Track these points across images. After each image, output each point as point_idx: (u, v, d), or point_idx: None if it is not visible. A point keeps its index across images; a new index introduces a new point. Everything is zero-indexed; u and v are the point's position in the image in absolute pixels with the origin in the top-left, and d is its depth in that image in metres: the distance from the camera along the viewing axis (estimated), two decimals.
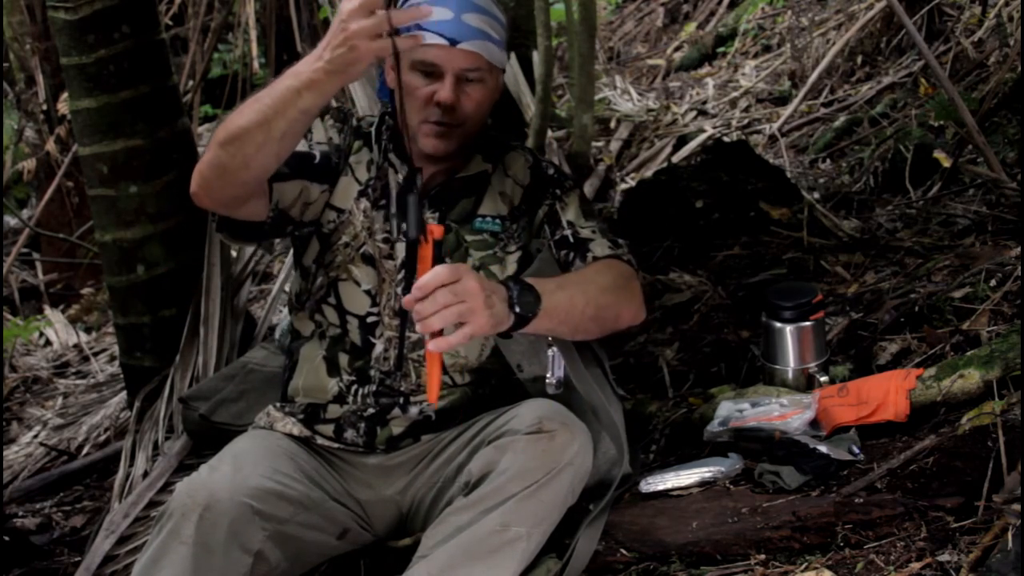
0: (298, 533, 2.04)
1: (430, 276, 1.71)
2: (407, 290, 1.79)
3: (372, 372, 2.13)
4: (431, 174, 2.15)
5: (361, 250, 2.13)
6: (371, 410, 2.14)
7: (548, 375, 2.10)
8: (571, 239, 2.14)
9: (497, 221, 2.17)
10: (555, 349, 2.10)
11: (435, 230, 1.75)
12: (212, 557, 1.88)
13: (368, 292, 2.13)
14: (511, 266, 2.17)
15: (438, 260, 1.76)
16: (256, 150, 1.84)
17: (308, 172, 2.10)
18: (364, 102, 3.49)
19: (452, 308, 1.71)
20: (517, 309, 1.84)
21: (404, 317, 2.11)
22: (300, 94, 1.75)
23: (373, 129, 2.19)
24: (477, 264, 2.13)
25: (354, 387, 2.14)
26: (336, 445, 2.16)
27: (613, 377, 2.29)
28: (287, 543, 2.02)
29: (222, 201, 1.99)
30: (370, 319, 2.13)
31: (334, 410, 2.16)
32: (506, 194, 2.19)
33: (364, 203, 2.14)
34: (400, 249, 2.12)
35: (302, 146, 2.10)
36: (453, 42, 1.99)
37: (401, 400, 2.14)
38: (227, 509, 1.90)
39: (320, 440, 2.16)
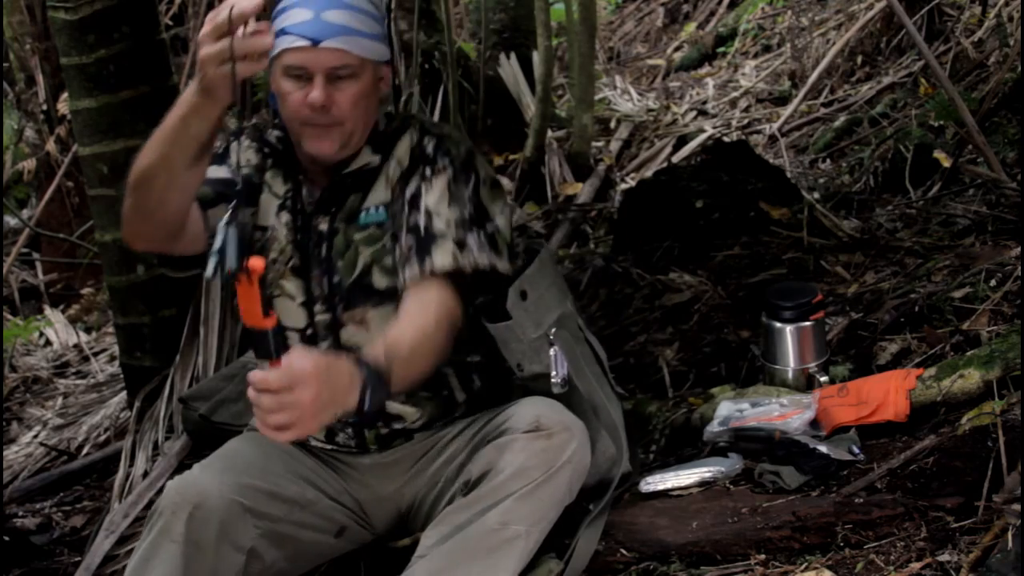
0: (293, 532, 2.04)
1: (259, 377, 1.57)
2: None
3: None
4: (320, 177, 2.09)
5: (290, 263, 2.09)
6: (353, 417, 2.13)
7: (553, 374, 2.08)
8: (421, 231, 1.99)
9: (381, 209, 2.06)
10: (556, 348, 2.09)
11: (256, 265, 1.58)
12: (203, 555, 1.88)
13: (303, 304, 2.09)
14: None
15: (264, 297, 1.60)
16: (165, 186, 1.86)
17: (234, 197, 2.03)
18: None
19: (278, 415, 1.57)
20: (366, 406, 1.71)
21: (335, 327, 2.07)
22: (186, 121, 1.78)
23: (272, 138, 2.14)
24: (368, 261, 2.05)
25: None
26: (329, 447, 2.16)
27: (612, 376, 2.28)
28: (283, 542, 2.02)
29: (155, 241, 1.98)
30: (309, 331, 2.09)
31: None
32: (389, 176, 2.09)
33: (285, 216, 2.10)
34: (294, 258, 2.08)
35: (224, 172, 2.07)
36: (315, 42, 1.93)
37: (382, 415, 2.12)
38: (217, 507, 1.90)
39: (314, 443, 2.16)
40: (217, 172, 2.06)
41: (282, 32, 1.94)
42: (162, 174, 1.84)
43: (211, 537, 1.89)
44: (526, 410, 1.96)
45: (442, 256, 1.95)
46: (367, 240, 2.06)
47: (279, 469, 2.06)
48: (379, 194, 2.08)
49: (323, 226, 2.08)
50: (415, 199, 2.02)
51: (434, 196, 2.01)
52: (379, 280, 2.05)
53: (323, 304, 2.07)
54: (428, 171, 2.04)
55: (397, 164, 2.08)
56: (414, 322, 1.89)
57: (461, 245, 1.97)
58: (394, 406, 2.11)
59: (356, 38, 1.96)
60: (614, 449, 2.14)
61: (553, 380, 2.08)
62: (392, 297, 2.03)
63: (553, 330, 2.10)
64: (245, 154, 2.12)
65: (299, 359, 1.58)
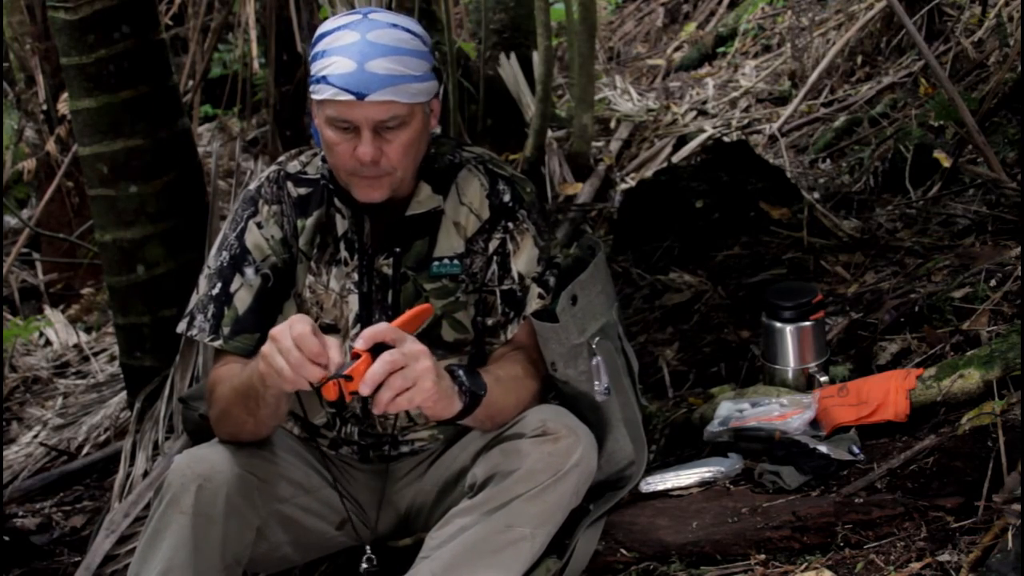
0: (298, 516, 2.04)
1: (380, 366, 1.66)
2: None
3: (347, 415, 2.11)
4: (379, 215, 2.02)
5: (317, 323, 2.00)
6: (361, 443, 2.14)
7: (596, 383, 2.06)
8: (517, 294, 2.04)
9: (456, 263, 2.03)
10: (599, 359, 2.06)
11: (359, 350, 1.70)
12: (212, 528, 1.87)
13: None
14: (471, 309, 2.07)
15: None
16: (256, 429, 1.94)
17: (276, 306, 2.03)
18: None
19: (406, 394, 1.69)
20: (466, 387, 1.81)
21: None
22: (257, 393, 1.81)
23: (318, 173, 2.05)
24: (440, 313, 2.03)
25: (338, 421, 2.13)
26: (333, 453, 2.17)
27: (640, 387, 2.27)
28: (288, 525, 2.03)
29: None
30: None
31: (327, 433, 2.15)
32: (461, 225, 2.04)
33: (309, 278, 2.05)
34: (353, 301, 2.04)
35: (254, 281, 2.00)
36: (360, 96, 1.83)
37: (389, 439, 2.13)
38: (226, 480, 1.88)
39: (318, 445, 2.16)
40: (245, 298, 2.00)
41: (324, 79, 1.86)
42: (250, 427, 1.93)
43: (219, 511, 1.87)
44: (532, 415, 1.96)
45: (532, 303, 2.05)
46: (439, 292, 2.04)
47: (287, 452, 2.06)
48: (451, 243, 2.04)
49: (387, 269, 2.03)
50: (505, 263, 2.04)
51: (523, 260, 2.05)
52: (448, 333, 2.05)
53: None
54: (511, 226, 2.05)
55: (471, 213, 2.04)
56: (504, 365, 1.99)
57: (545, 287, 2.06)
58: (409, 433, 2.12)
59: (403, 85, 1.86)
60: (624, 453, 2.13)
61: (596, 389, 2.05)
62: (459, 350, 2.04)
63: (596, 340, 2.06)
64: (268, 233, 2.03)
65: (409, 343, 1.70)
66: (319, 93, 1.88)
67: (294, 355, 1.66)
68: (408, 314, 1.77)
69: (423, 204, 2.02)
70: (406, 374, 1.68)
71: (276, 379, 1.70)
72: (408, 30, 1.90)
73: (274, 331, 1.70)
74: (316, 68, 1.89)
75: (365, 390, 1.66)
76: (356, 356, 1.69)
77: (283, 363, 1.67)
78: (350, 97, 1.84)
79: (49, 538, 3.10)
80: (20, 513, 3.32)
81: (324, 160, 2.03)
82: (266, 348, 1.70)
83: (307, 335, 1.67)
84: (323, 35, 1.90)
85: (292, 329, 1.68)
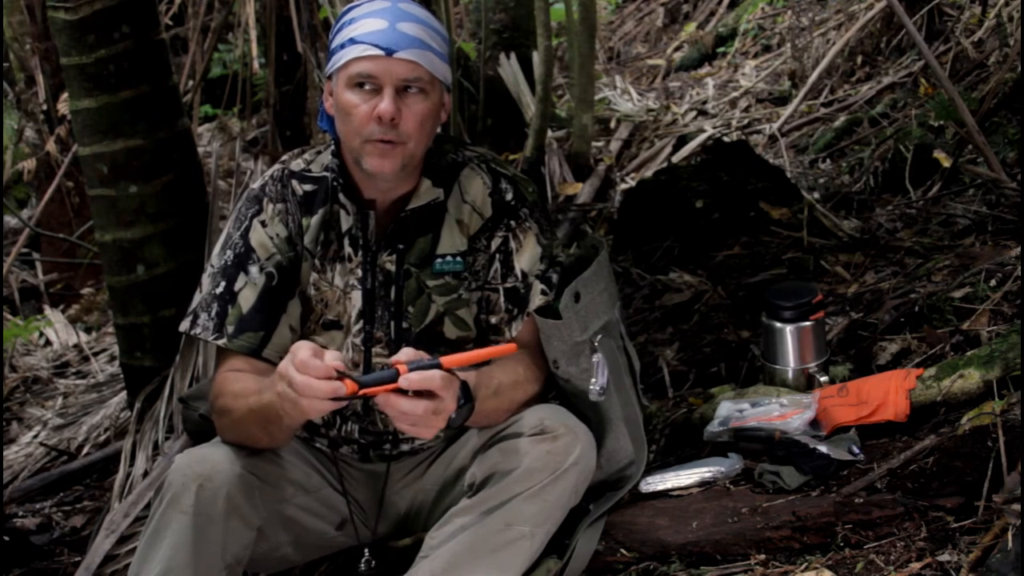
0: (298, 516, 2.05)
1: (412, 408, 1.71)
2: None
3: (347, 412, 2.12)
4: (382, 212, 2.03)
5: (321, 320, 2.06)
6: (361, 441, 2.14)
7: (592, 381, 2.05)
8: (520, 291, 2.06)
9: (459, 260, 2.04)
10: (600, 356, 2.06)
11: (400, 370, 1.72)
12: (213, 527, 1.87)
13: (363, 343, 2.07)
14: (474, 307, 2.08)
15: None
16: (270, 443, 1.97)
17: (281, 305, 2.03)
18: None
19: (403, 424, 1.73)
20: (450, 422, 1.81)
21: (367, 369, 2.05)
22: (273, 420, 1.83)
23: (323, 171, 2.06)
24: (442, 310, 2.05)
25: (338, 419, 2.13)
26: (333, 452, 2.16)
27: (641, 386, 2.27)
28: (288, 525, 2.03)
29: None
30: (361, 373, 2.05)
31: (327, 431, 2.15)
32: (464, 223, 2.05)
33: (314, 276, 2.05)
34: (356, 297, 2.04)
35: (258, 279, 2.01)
36: (389, 52, 1.88)
37: (389, 437, 2.13)
38: (226, 480, 1.89)
39: (318, 445, 2.17)
40: (249, 297, 2.00)
41: (351, 42, 1.90)
42: (264, 441, 1.95)
43: (220, 510, 1.87)
44: (530, 414, 1.96)
45: (535, 299, 2.07)
46: (441, 289, 2.04)
47: (288, 453, 2.06)
48: (454, 240, 2.05)
49: (390, 266, 2.03)
50: (508, 260, 2.05)
51: (526, 258, 2.06)
52: (450, 330, 2.05)
53: (385, 348, 2.04)
54: (513, 224, 2.06)
55: (473, 211, 2.05)
56: (505, 365, 1.99)
57: (548, 284, 2.07)
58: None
59: (429, 54, 1.92)
60: (624, 454, 2.13)
61: (592, 387, 2.06)
62: (461, 348, 2.04)
63: (599, 337, 2.07)
64: (272, 232, 2.04)
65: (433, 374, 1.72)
66: (344, 56, 1.91)
67: (308, 385, 1.68)
68: (490, 350, 1.84)
69: (422, 197, 2.03)
70: (421, 421, 1.72)
71: (299, 414, 1.74)
72: (432, 18, 1.97)
73: (281, 367, 1.73)
74: (342, 36, 1.92)
75: (382, 405, 1.73)
76: (394, 369, 1.72)
77: (300, 399, 1.70)
78: (379, 52, 1.88)
79: (49, 538, 3.10)
80: (20, 513, 3.31)
81: (334, 154, 2.04)
82: (280, 387, 1.72)
83: (311, 362, 1.68)
84: (350, 8, 1.95)
85: (295, 356, 1.70)
